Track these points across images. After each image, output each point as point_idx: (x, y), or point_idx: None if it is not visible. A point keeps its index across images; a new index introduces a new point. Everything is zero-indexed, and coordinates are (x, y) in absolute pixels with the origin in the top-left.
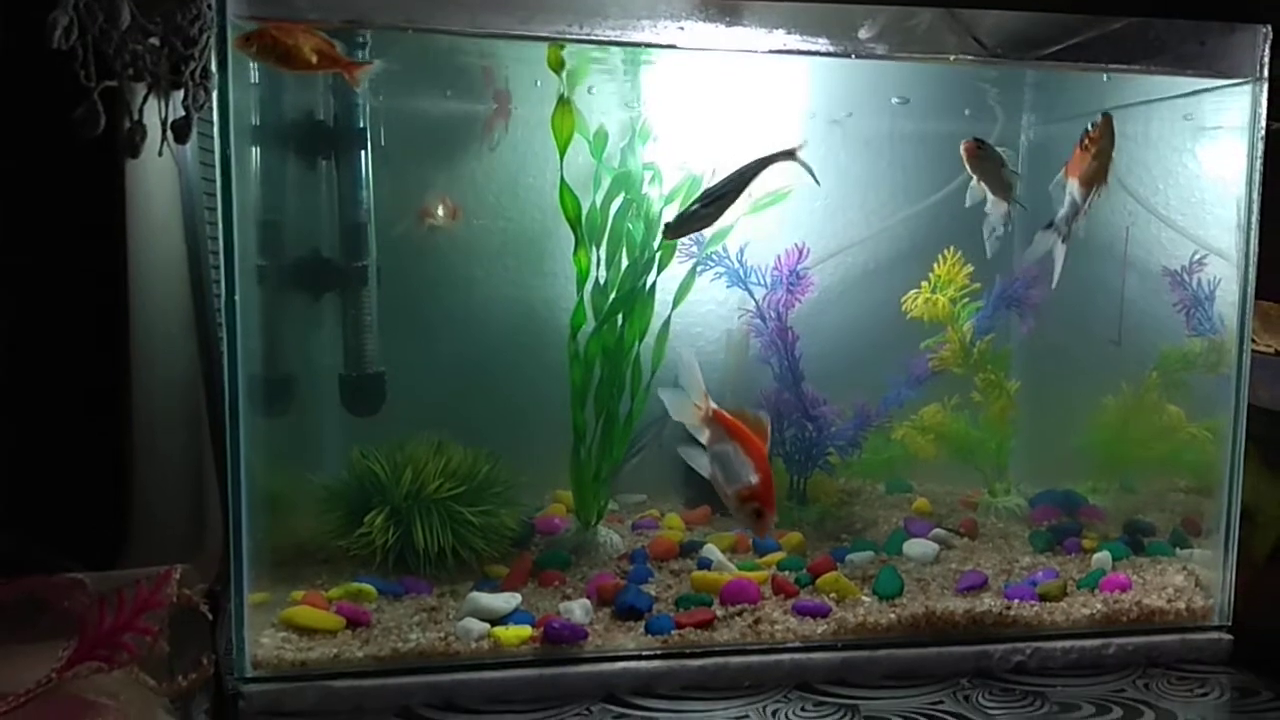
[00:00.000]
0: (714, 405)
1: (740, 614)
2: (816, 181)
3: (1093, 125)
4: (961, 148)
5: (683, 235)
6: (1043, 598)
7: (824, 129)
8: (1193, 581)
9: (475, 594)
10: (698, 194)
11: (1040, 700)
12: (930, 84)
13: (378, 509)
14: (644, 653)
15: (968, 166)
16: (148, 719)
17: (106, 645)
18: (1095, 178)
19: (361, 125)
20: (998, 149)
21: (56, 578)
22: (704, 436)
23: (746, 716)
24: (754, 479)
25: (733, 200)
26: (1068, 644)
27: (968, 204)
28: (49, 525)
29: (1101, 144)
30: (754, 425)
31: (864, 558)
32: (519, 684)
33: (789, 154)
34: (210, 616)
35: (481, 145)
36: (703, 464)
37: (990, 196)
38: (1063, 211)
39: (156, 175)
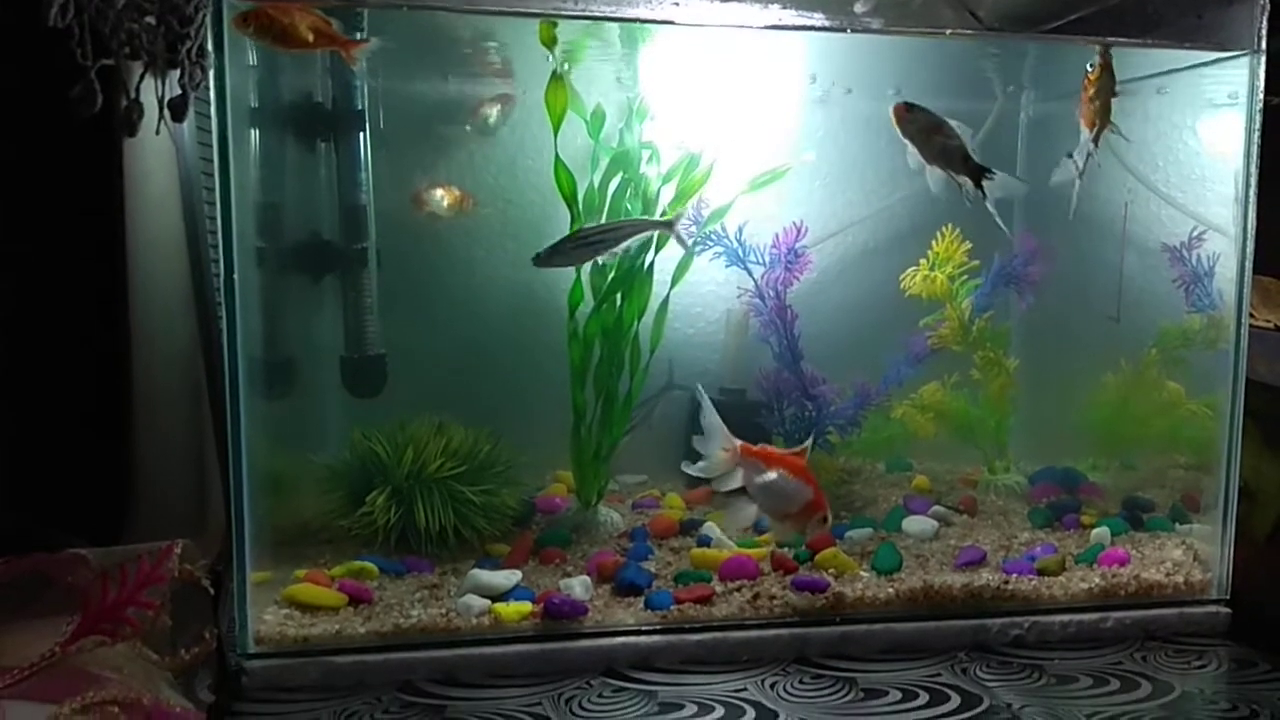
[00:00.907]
0: (739, 442)
1: (739, 589)
2: (686, 249)
3: (1091, 66)
4: (890, 111)
5: (550, 267)
6: (1041, 572)
7: (824, 106)
8: (1191, 556)
9: (476, 571)
10: (574, 230)
11: (1038, 673)
12: (932, 60)
13: (379, 489)
14: (643, 627)
15: (898, 131)
16: (151, 692)
17: (109, 619)
18: (1098, 117)
19: (360, 107)
20: (942, 118)
21: (60, 554)
22: (740, 477)
23: (745, 689)
24: (809, 494)
25: (603, 252)
26: (1066, 618)
27: (912, 166)
28: (52, 502)
29: (1100, 84)
30: (798, 451)
31: (863, 534)
32: (519, 659)
33: (668, 224)
34: (211, 590)
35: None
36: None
37: (924, 164)
38: (1077, 149)
39: (154, 154)
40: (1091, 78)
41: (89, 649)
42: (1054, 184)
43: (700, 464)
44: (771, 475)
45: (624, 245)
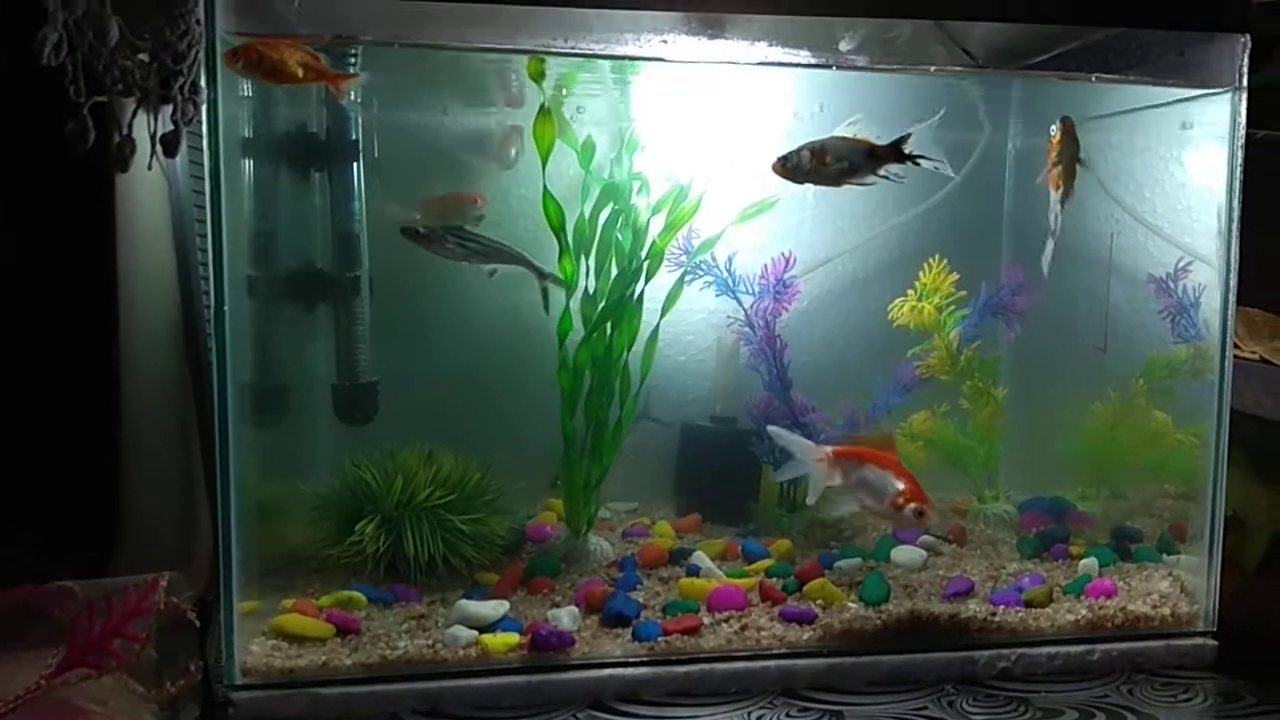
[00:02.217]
0: (828, 448)
1: (727, 620)
2: (546, 309)
3: (1053, 130)
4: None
5: (416, 244)
6: (1028, 604)
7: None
8: (1178, 587)
9: (463, 602)
10: (458, 227)
11: (1024, 706)
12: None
13: (369, 517)
14: (630, 659)
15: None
16: None
17: (95, 652)
18: (1061, 181)
19: (353, 137)
20: (821, 141)
21: (47, 586)
22: (838, 479)
23: None
24: (900, 485)
25: (471, 260)
26: (1052, 650)
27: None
28: (40, 534)
29: (1061, 149)
30: (879, 443)
31: (852, 564)
32: (506, 691)
33: (541, 274)
34: (197, 624)
35: (485, 159)
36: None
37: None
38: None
39: (146, 188)
40: (1054, 142)
41: (75, 681)
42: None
43: (795, 462)
44: (862, 472)
45: (491, 267)
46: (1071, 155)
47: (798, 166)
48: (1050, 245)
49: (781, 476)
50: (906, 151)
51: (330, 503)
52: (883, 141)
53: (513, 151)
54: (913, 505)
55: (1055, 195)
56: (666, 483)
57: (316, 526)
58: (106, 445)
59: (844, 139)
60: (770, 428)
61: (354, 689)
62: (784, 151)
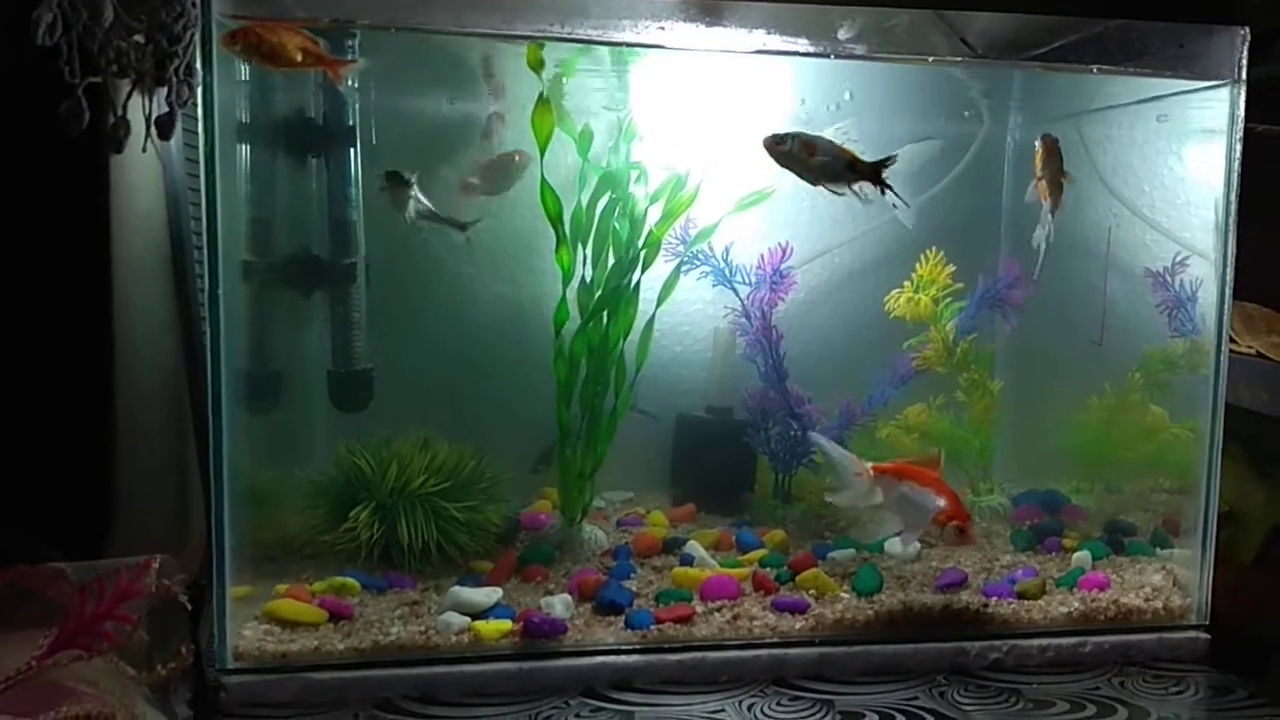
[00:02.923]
0: (869, 464)
1: (719, 610)
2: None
3: (1038, 145)
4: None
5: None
6: (1021, 596)
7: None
8: (1171, 581)
9: (457, 588)
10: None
11: (1015, 697)
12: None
13: (363, 504)
14: (623, 647)
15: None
16: (127, 706)
17: (86, 633)
18: (1050, 194)
19: (351, 123)
20: (816, 136)
21: (39, 567)
22: (878, 497)
23: (723, 711)
24: (940, 503)
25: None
26: (1044, 642)
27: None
28: (33, 516)
29: (1044, 163)
30: (924, 460)
31: (845, 555)
32: (498, 677)
33: (461, 227)
34: (189, 606)
35: (473, 143)
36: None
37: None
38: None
39: (141, 170)
40: (1039, 157)
41: (65, 663)
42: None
43: (841, 494)
44: (900, 489)
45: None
46: (1055, 170)
47: (787, 151)
48: (1042, 252)
49: (831, 497)
50: (884, 176)
51: (325, 489)
52: (868, 158)
53: (495, 139)
54: (954, 523)
55: (1046, 205)
56: (662, 472)
57: (311, 512)
58: (100, 428)
59: (833, 143)
60: (813, 435)
61: (346, 674)
62: (779, 131)
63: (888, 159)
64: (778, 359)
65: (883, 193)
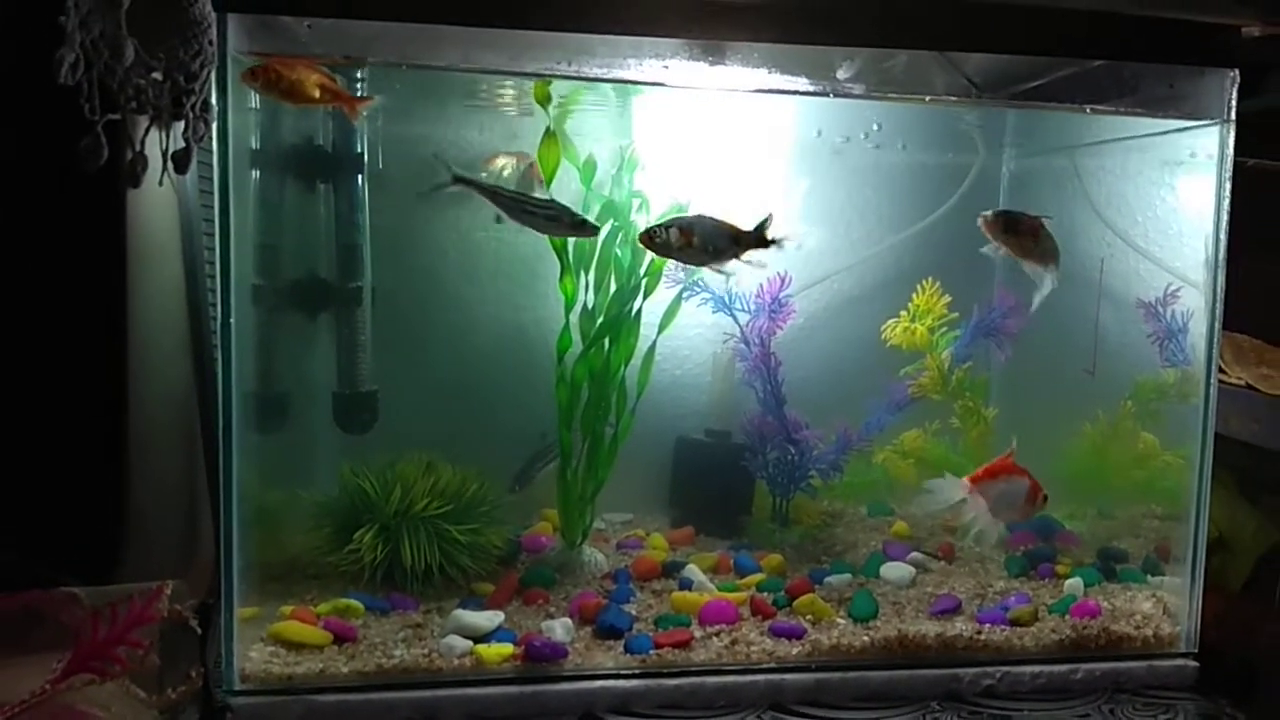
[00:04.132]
0: (965, 480)
1: (718, 634)
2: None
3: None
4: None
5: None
6: (1014, 622)
7: (817, 157)
8: (1161, 608)
9: (459, 611)
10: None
11: None
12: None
13: (367, 526)
14: (622, 671)
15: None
16: None
17: (99, 658)
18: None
19: (359, 150)
20: (689, 220)
21: (53, 592)
22: (979, 504)
23: None
24: (1027, 483)
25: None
26: (1036, 669)
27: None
28: (46, 541)
29: (1035, 244)
30: (1003, 457)
31: (842, 580)
32: (499, 700)
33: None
34: (199, 631)
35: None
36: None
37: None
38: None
39: (157, 203)
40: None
41: (78, 686)
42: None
43: (941, 498)
44: (995, 487)
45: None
46: (1050, 251)
47: (665, 243)
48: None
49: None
50: (769, 236)
51: (329, 511)
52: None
53: (505, 173)
54: (1041, 496)
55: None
56: (661, 494)
57: (315, 534)
58: (113, 453)
59: (713, 220)
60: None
61: (350, 696)
62: (654, 224)
63: (765, 220)
64: (776, 385)
65: (780, 247)
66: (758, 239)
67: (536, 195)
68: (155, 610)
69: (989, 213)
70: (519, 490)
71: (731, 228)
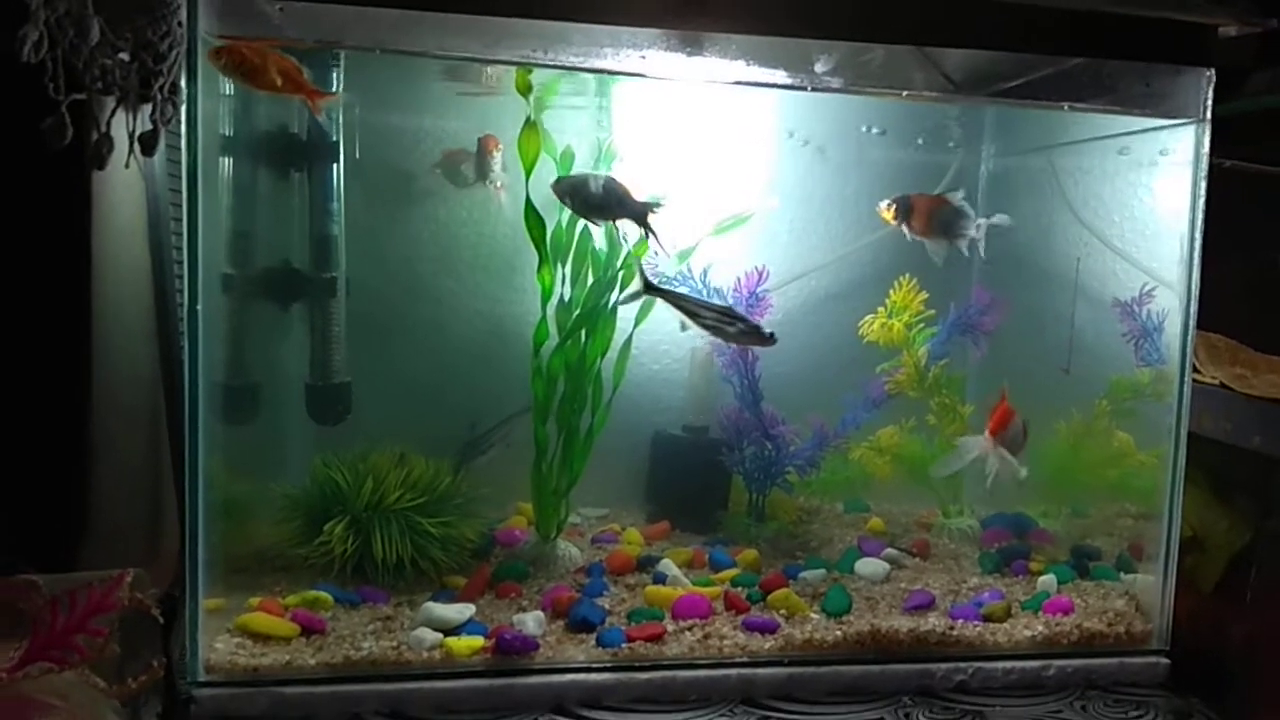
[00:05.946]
0: (985, 434)
1: (690, 629)
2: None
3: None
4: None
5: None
6: (987, 619)
7: (795, 152)
8: (1133, 606)
9: (429, 604)
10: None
11: (979, 719)
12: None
13: (338, 518)
14: (594, 665)
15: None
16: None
17: (58, 646)
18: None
19: (334, 138)
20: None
21: (11, 579)
22: (1001, 453)
23: None
24: (1019, 419)
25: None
26: (1009, 664)
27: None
28: (6, 529)
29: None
30: (999, 403)
31: (816, 575)
32: (468, 694)
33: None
34: (162, 620)
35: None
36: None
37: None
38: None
39: (123, 186)
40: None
41: (36, 675)
42: None
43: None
44: (1011, 429)
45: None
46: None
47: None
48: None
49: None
50: (649, 220)
51: (299, 502)
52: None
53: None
54: (1017, 420)
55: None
56: (637, 488)
57: (285, 526)
58: (76, 441)
59: (618, 183)
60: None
61: (317, 689)
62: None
63: (654, 204)
64: (753, 380)
65: (647, 235)
66: (640, 215)
67: (715, 303)
68: (115, 598)
69: (884, 201)
70: (464, 467)
71: (627, 193)
